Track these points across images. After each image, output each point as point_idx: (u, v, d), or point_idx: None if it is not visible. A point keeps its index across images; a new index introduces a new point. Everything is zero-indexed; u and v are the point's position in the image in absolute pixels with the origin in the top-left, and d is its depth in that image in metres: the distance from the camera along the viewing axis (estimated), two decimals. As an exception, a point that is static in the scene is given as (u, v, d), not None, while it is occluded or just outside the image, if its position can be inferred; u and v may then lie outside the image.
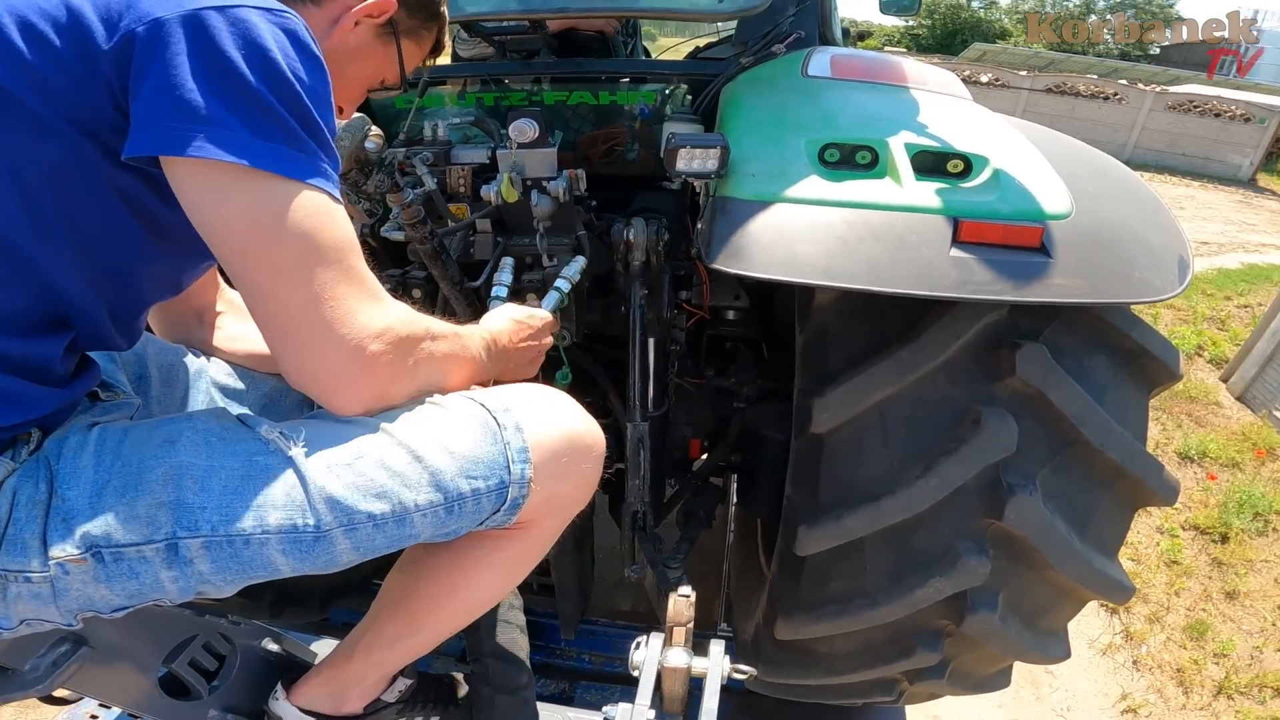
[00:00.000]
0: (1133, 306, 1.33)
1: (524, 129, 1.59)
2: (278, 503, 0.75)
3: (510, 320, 1.14)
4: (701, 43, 2.96)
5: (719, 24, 2.65)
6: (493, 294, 1.53)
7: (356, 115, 1.27)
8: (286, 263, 0.74)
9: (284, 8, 0.79)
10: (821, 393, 1.33)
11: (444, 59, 2.05)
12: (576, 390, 1.98)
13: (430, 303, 1.73)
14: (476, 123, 1.81)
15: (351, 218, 1.68)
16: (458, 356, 0.94)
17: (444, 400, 0.89)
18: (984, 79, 17.25)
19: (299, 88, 0.76)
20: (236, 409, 1.08)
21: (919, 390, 1.31)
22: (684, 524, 1.95)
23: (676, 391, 1.97)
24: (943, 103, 1.57)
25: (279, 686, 1.06)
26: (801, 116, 1.40)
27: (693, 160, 1.25)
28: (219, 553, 0.74)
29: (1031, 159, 1.33)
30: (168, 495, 0.73)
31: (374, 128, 1.32)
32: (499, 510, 0.87)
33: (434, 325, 0.89)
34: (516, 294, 1.66)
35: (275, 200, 0.73)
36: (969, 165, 1.30)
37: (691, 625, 1.19)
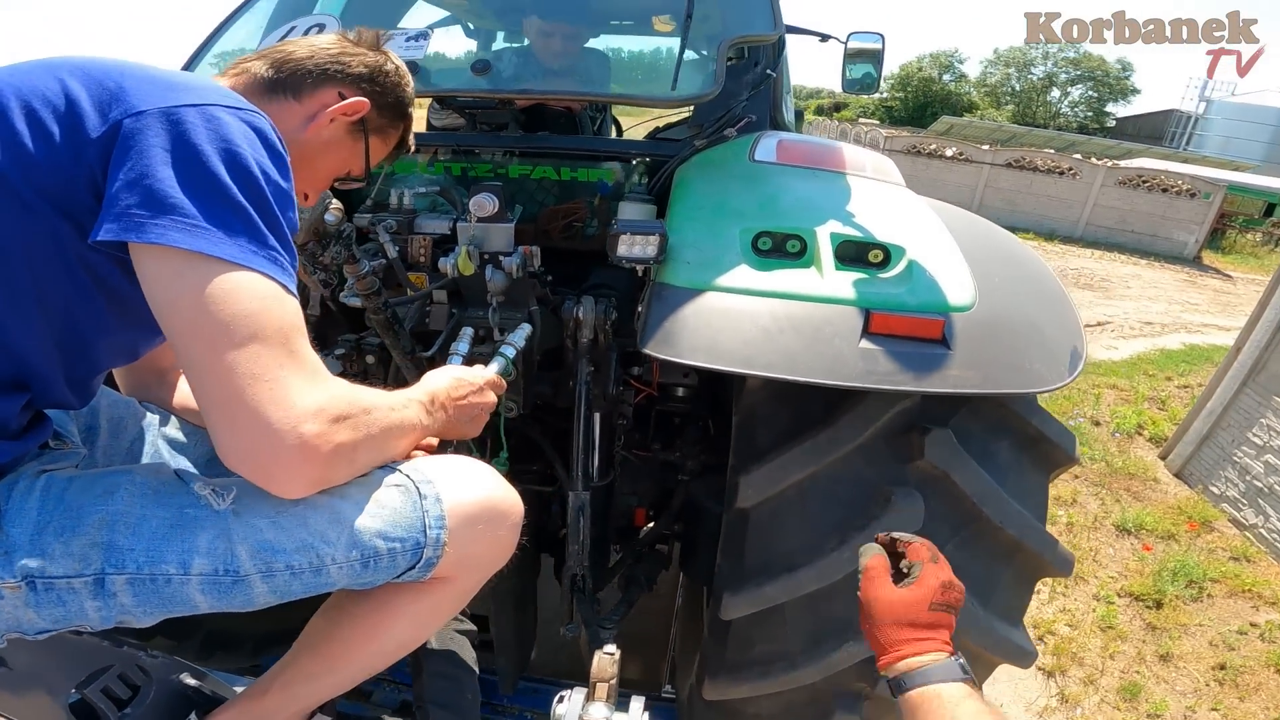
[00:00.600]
0: (1039, 395, 1.46)
1: (483, 203, 1.69)
2: (201, 549, 0.83)
3: (451, 379, 1.17)
4: (671, 119, 3.13)
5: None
6: (449, 363, 1.57)
7: None
8: (228, 342, 0.77)
9: (254, 108, 0.87)
10: (748, 470, 1.42)
11: (419, 127, 2.16)
12: (526, 458, 2.06)
13: (384, 369, 1.80)
14: (442, 192, 1.92)
15: (307, 288, 1.76)
16: (396, 428, 0.96)
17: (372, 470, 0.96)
18: (949, 153, 17.94)
19: (262, 182, 0.83)
20: (181, 463, 1.16)
21: (836, 470, 1.41)
22: (625, 587, 2.01)
23: (622, 463, 2.04)
24: (875, 190, 1.70)
25: (193, 717, 1.10)
26: (742, 204, 1.53)
27: (633, 246, 1.36)
28: (142, 589, 0.82)
29: (945, 248, 1.46)
30: (101, 537, 0.81)
31: (334, 201, 1.40)
32: (414, 567, 0.94)
33: (370, 400, 0.91)
34: (469, 364, 1.74)
35: (224, 284, 0.77)
36: (888, 255, 1.42)
37: (615, 681, 1.25)
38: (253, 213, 0.81)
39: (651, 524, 2.20)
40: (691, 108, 2.02)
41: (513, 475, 2.00)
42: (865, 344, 1.26)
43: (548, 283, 1.88)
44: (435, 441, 1.15)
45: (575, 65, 2.06)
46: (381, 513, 0.90)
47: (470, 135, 2.03)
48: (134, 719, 1.06)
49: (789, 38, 2.28)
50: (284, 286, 0.83)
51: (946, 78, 51.80)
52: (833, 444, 1.39)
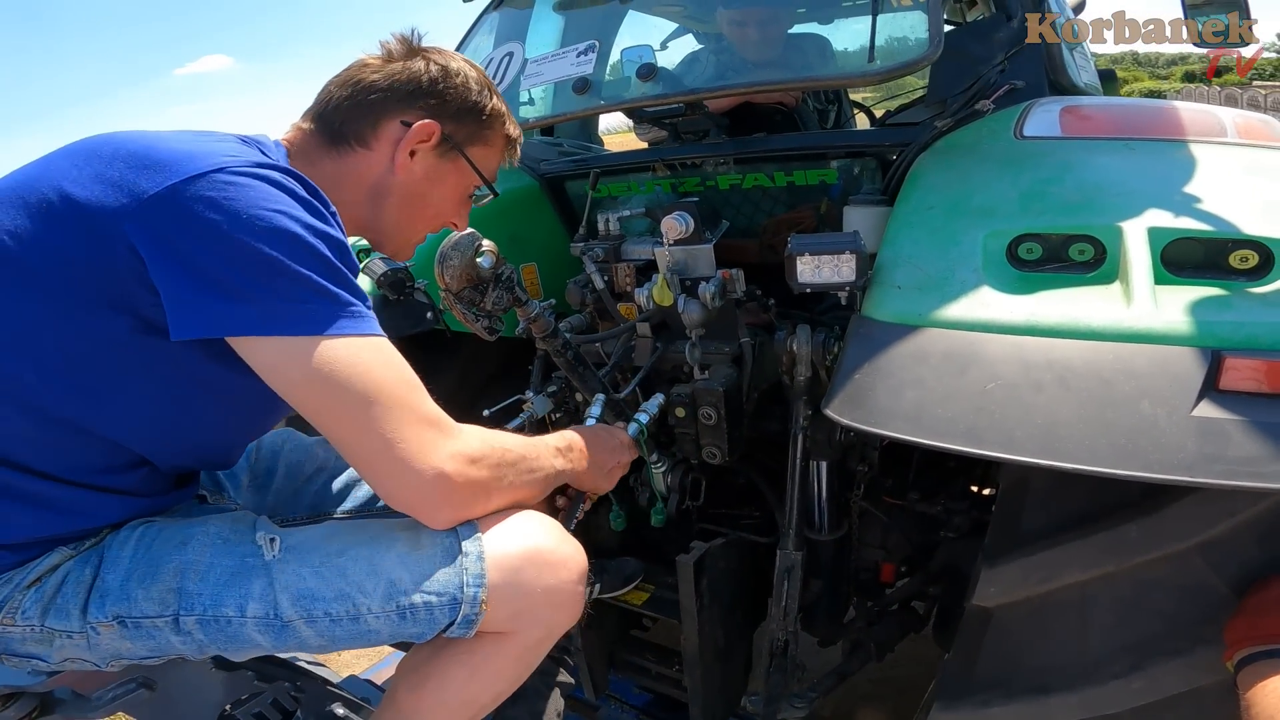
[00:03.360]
0: None
1: (673, 224, 1.43)
2: (254, 595, 0.85)
3: (591, 432, 1.18)
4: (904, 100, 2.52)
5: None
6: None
7: (467, 231, 1.21)
8: (353, 415, 0.78)
9: (270, 160, 0.80)
10: (997, 561, 0.98)
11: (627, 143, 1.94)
12: (745, 503, 1.75)
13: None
14: (648, 213, 1.69)
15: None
16: (530, 471, 0.96)
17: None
18: None
19: (312, 239, 0.76)
20: (347, 503, 1.22)
21: (1153, 573, 0.91)
22: (848, 654, 1.62)
23: (863, 514, 1.63)
24: (1245, 161, 1.10)
25: None
26: (992, 197, 1.04)
27: (820, 269, 0.98)
28: (209, 628, 0.85)
29: None
30: (175, 583, 0.85)
31: (486, 241, 1.24)
32: (453, 623, 0.89)
33: (504, 443, 0.91)
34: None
35: (324, 361, 0.76)
36: (1268, 258, 0.86)
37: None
38: (314, 276, 0.76)
39: (900, 584, 1.76)
40: (926, 83, 1.53)
41: (727, 520, 1.74)
42: (1205, 409, 0.73)
43: (770, 307, 1.55)
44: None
45: (759, 56, 1.68)
46: (420, 567, 0.87)
47: (673, 148, 1.77)
48: None
49: None
50: (373, 336, 0.80)
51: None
52: (1149, 540, 0.89)
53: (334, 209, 0.85)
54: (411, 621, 0.88)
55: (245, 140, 0.89)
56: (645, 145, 1.98)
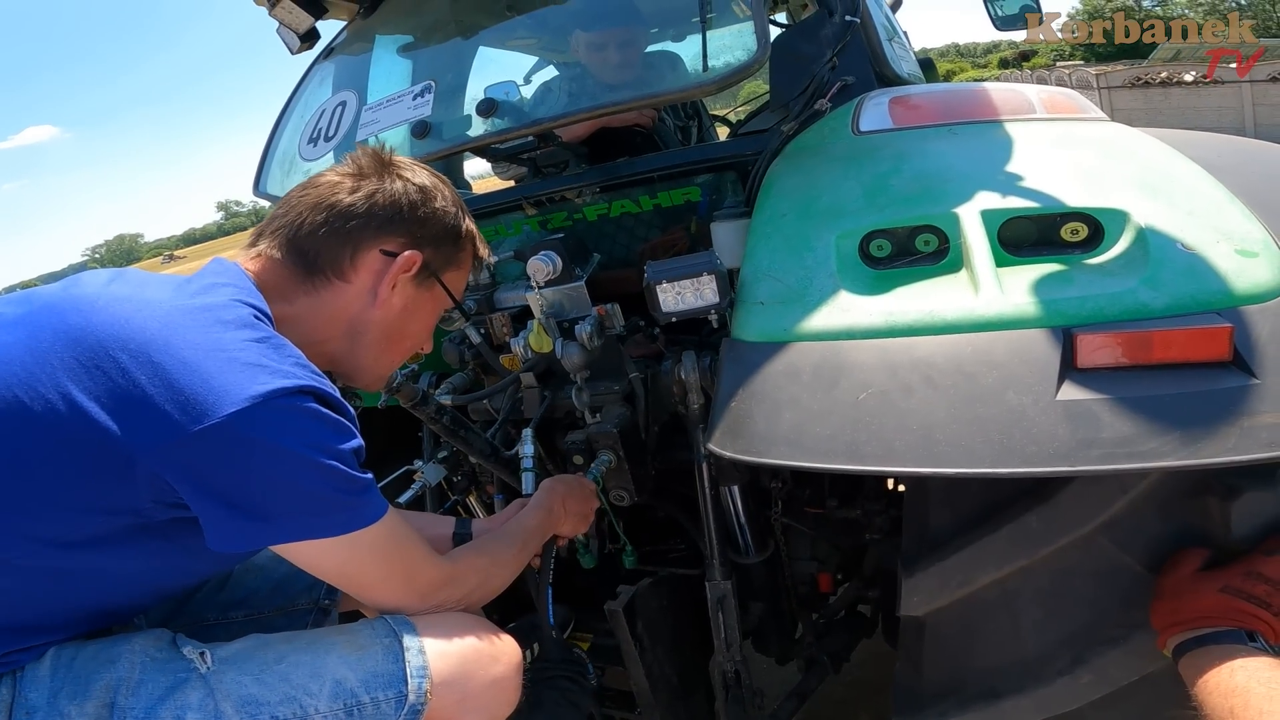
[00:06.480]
0: None
1: (540, 266, 1.36)
2: (193, 706, 0.84)
3: (565, 489, 1.27)
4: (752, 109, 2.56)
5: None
6: (523, 468, 1.39)
7: None
8: (373, 584, 0.92)
9: (302, 373, 0.80)
10: (915, 569, 0.94)
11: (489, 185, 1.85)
12: (675, 538, 1.68)
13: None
14: (517, 255, 1.62)
15: None
16: (500, 569, 1.08)
17: (360, 624, 0.98)
18: (1189, 78, 14.44)
19: (336, 464, 0.81)
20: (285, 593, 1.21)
21: (1066, 561, 0.88)
22: (805, 670, 1.56)
23: (787, 530, 1.59)
24: (1058, 134, 1.13)
25: None
26: (839, 197, 1.03)
27: (682, 295, 0.93)
28: None
29: (1205, 198, 0.87)
30: (107, 699, 0.84)
31: None
32: (400, 715, 0.90)
33: (470, 563, 1.03)
34: (557, 456, 1.44)
35: (347, 554, 0.86)
36: (1097, 229, 0.86)
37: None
38: (336, 492, 0.82)
39: (840, 592, 1.73)
40: (768, 90, 1.54)
41: (654, 558, 1.67)
42: (1069, 391, 0.71)
43: (656, 336, 1.49)
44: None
45: (615, 78, 1.65)
46: (364, 665, 0.90)
47: (535, 184, 1.70)
48: None
49: None
50: (379, 522, 0.86)
51: (1148, 2, 42.92)
52: (1053, 527, 0.86)
53: (352, 412, 0.86)
54: (359, 718, 0.89)
55: (240, 297, 0.85)
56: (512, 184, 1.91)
